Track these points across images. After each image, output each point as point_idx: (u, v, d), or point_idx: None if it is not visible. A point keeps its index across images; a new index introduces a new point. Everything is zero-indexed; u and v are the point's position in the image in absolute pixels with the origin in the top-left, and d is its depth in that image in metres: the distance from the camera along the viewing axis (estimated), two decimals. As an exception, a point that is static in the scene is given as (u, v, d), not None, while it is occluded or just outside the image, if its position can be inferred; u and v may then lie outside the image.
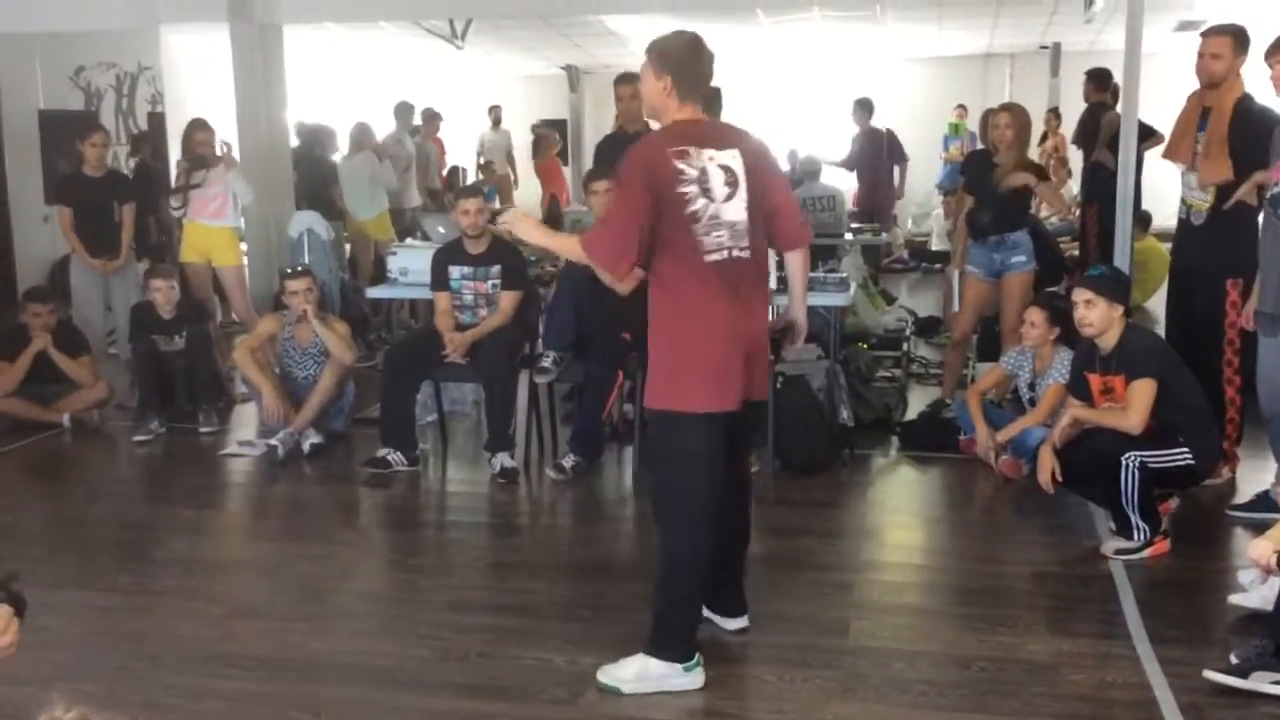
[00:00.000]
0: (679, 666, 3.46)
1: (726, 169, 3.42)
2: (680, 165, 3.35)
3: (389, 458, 5.72)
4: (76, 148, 7.40)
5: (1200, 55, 5.11)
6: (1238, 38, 5.06)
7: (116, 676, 3.62)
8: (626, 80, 6.70)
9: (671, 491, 3.52)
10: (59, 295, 7.78)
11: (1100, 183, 8.24)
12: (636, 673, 3.47)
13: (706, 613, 3.73)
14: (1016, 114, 6.26)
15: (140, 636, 3.92)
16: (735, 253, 3.42)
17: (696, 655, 3.50)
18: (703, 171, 3.37)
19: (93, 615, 4.12)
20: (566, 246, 3.93)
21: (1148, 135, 7.70)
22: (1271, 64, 4.50)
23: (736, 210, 3.43)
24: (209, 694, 3.51)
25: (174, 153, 8.29)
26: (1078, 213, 10.02)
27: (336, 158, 9.62)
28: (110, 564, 4.64)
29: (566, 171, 14.86)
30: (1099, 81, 8.91)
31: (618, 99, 6.69)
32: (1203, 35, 5.16)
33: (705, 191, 3.37)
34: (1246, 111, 4.98)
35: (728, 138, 3.52)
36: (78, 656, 3.77)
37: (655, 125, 3.69)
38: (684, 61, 3.47)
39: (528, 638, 3.83)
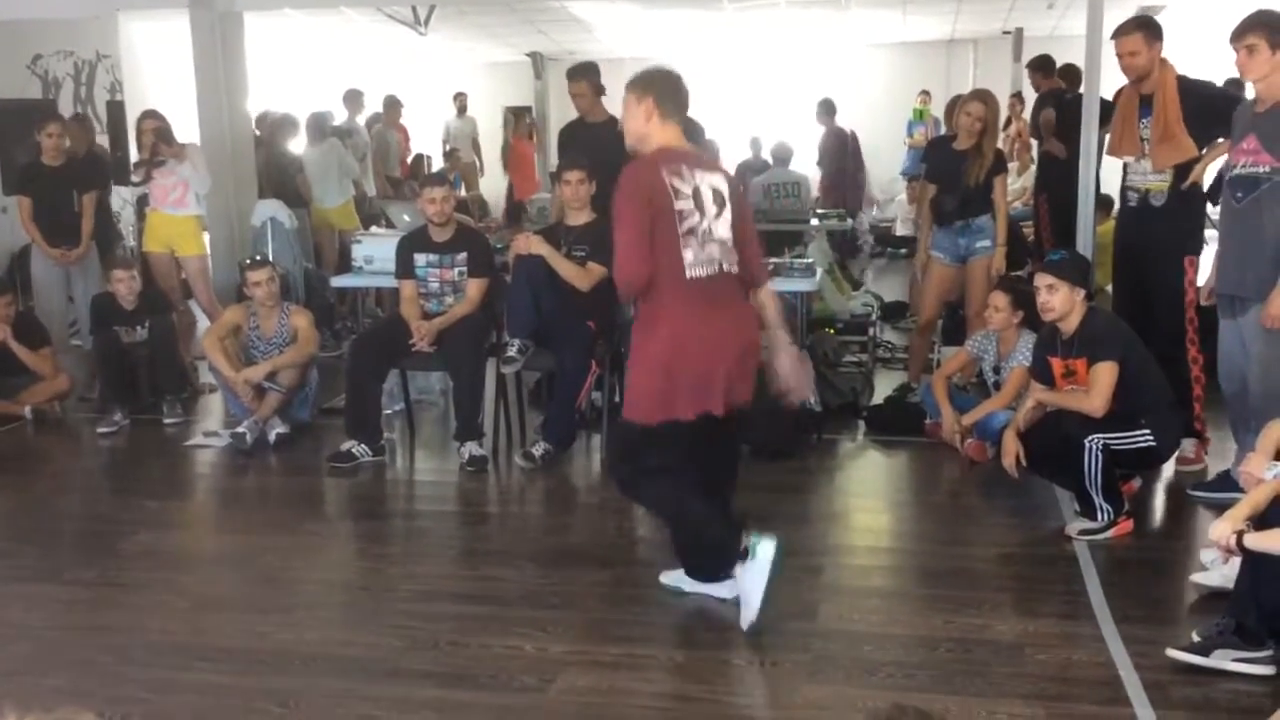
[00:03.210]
0: (740, 565, 3.67)
1: (715, 190, 3.62)
2: (676, 184, 3.52)
3: (353, 450, 5.69)
4: (34, 138, 7.32)
5: (1119, 56, 5.18)
6: (1146, 29, 5.15)
7: (82, 670, 3.59)
8: (578, 76, 6.61)
9: (644, 490, 3.85)
10: (18, 287, 7.70)
11: (1050, 171, 8.29)
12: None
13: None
14: (991, 105, 6.25)
15: (106, 630, 3.89)
16: (726, 266, 3.64)
17: (750, 542, 3.66)
18: (696, 190, 3.56)
19: (57, 609, 4.09)
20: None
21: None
22: (1236, 48, 4.52)
23: (725, 228, 3.64)
24: (176, 687, 3.48)
25: (133, 142, 8.18)
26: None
27: (296, 146, 9.52)
28: (74, 557, 4.60)
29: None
30: (1044, 69, 8.85)
31: (571, 95, 6.63)
32: (1113, 37, 5.23)
33: (700, 208, 3.56)
34: (1190, 87, 5.09)
35: (714, 164, 3.77)
36: (42, 650, 3.73)
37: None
38: (662, 82, 3.65)
39: (497, 626, 3.82)
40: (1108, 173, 6.41)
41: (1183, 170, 5.07)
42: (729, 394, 3.63)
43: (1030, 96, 9.66)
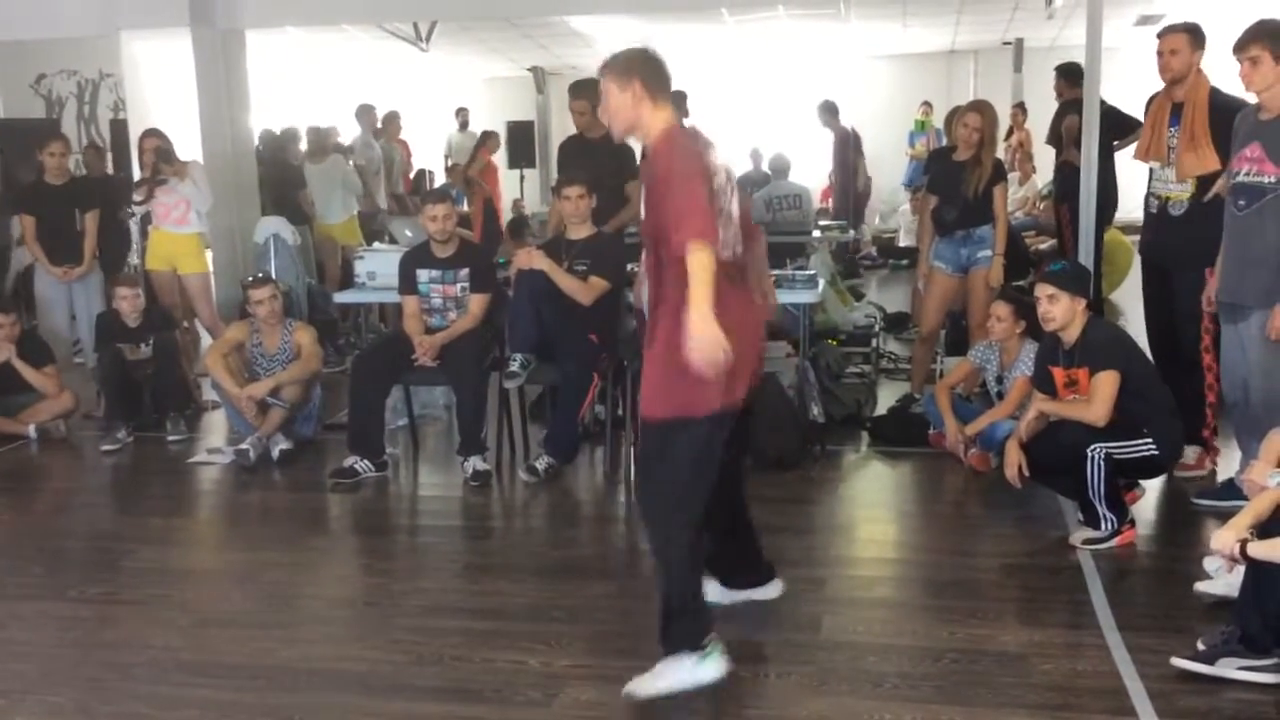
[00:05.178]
0: (692, 657, 3.38)
1: (727, 169, 3.43)
2: (710, 161, 3.32)
3: (356, 466, 5.69)
4: (37, 157, 7.35)
5: (1159, 53, 5.16)
6: (1193, 33, 5.12)
7: (87, 688, 3.60)
8: (580, 94, 6.61)
9: (673, 494, 3.38)
10: (22, 306, 7.72)
11: (1071, 181, 8.24)
12: (657, 674, 3.42)
13: (743, 593, 3.93)
14: (987, 115, 6.25)
15: (111, 647, 3.89)
16: (738, 249, 3.43)
17: (710, 644, 3.41)
18: (720, 169, 3.36)
19: (62, 626, 4.09)
20: (701, 291, 3.13)
21: (1133, 129, 7.64)
22: (1240, 59, 4.51)
23: (735, 209, 3.44)
24: (181, 704, 3.48)
25: (135, 160, 8.22)
26: (1043, 207, 10.07)
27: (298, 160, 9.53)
28: (79, 575, 4.60)
29: (533, 175, 14.78)
30: (1071, 77, 8.75)
31: (572, 112, 6.64)
32: (1159, 35, 5.22)
33: (725, 189, 3.37)
34: (1222, 101, 5.00)
35: (715, 142, 3.49)
36: (47, 668, 3.74)
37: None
38: (644, 62, 3.36)
39: (501, 640, 3.82)
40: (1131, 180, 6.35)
41: (1206, 182, 5.00)
42: (753, 379, 3.48)
43: (1038, 106, 9.62)
